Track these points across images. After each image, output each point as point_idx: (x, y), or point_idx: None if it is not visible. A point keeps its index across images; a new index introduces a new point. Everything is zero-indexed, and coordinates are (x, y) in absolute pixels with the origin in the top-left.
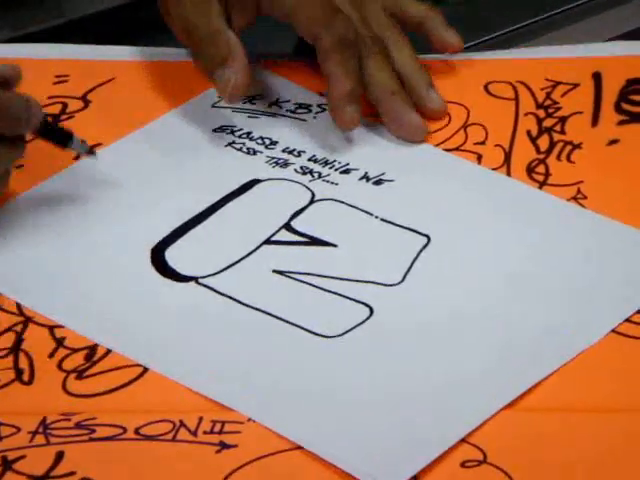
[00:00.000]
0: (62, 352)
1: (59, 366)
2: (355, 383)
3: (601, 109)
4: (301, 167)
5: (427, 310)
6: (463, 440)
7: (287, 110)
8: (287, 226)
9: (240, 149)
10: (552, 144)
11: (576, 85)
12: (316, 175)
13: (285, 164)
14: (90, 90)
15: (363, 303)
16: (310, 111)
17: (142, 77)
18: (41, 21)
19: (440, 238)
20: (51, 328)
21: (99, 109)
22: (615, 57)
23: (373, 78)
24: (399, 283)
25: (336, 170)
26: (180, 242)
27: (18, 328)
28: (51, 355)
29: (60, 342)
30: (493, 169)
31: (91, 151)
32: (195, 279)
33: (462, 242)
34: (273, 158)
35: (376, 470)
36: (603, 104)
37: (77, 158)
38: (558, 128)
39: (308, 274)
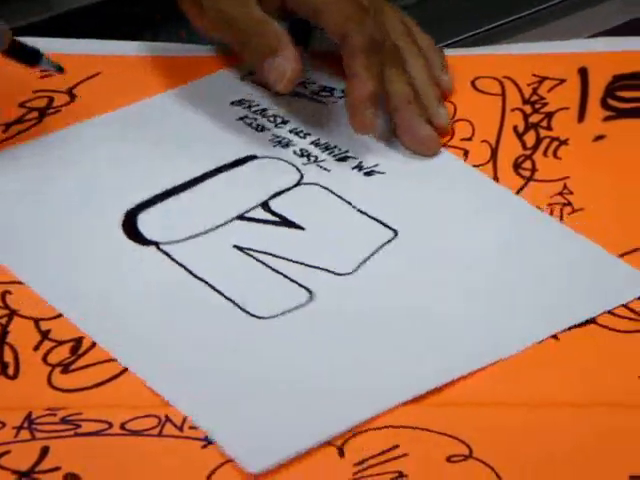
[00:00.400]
0: (47, 345)
1: (44, 359)
2: (268, 365)
3: (587, 105)
4: (301, 149)
5: (365, 303)
6: (449, 435)
7: (310, 92)
8: (264, 205)
9: (250, 124)
10: (538, 140)
11: (562, 81)
12: (312, 159)
13: (287, 144)
14: (76, 84)
15: (305, 288)
16: (332, 95)
17: (128, 72)
18: (28, 15)
19: (407, 234)
20: (36, 321)
21: (85, 103)
22: (601, 53)
23: (392, 86)
24: (349, 273)
25: (334, 156)
26: (156, 207)
27: (3, 321)
28: (36, 348)
29: (45, 335)
30: (479, 165)
31: (60, 68)
32: (157, 244)
33: (426, 240)
34: (278, 137)
35: (246, 450)
36: (589, 100)
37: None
38: (545, 124)
39: (265, 253)
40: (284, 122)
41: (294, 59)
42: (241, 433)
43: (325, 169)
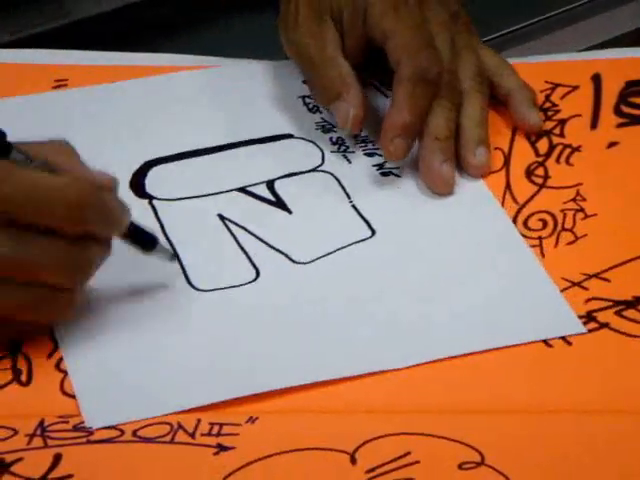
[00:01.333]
0: (60, 352)
1: (57, 367)
2: (177, 335)
3: (600, 112)
4: (338, 138)
5: (302, 293)
6: (461, 442)
7: (379, 81)
8: (269, 183)
9: (307, 104)
10: (551, 147)
11: (575, 87)
12: (343, 148)
13: (329, 130)
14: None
15: (256, 269)
16: None
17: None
18: (44, 22)
19: (382, 237)
20: (50, 329)
21: None
22: (614, 59)
23: (429, 119)
24: (304, 263)
25: (363, 150)
26: (170, 164)
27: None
28: (50, 355)
29: (58, 342)
30: (492, 172)
31: (173, 257)
32: (151, 198)
33: (397, 246)
34: (325, 122)
35: (91, 409)
36: (602, 107)
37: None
38: (557, 131)
39: (241, 227)
40: None
41: (357, 103)
42: (100, 389)
43: (348, 160)
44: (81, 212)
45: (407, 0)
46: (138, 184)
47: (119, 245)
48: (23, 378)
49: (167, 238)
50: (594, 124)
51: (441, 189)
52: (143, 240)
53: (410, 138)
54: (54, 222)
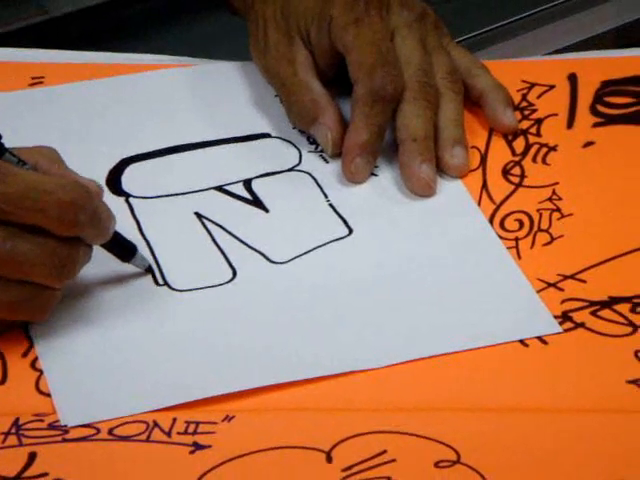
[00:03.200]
0: (35, 351)
1: (32, 365)
2: (152, 334)
3: (576, 111)
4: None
5: (281, 294)
6: (437, 440)
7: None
8: (246, 182)
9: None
10: (528, 146)
11: (552, 87)
12: (320, 148)
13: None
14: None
15: (233, 268)
16: None
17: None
18: (23, 18)
19: (359, 236)
20: (25, 328)
21: None
22: (590, 59)
23: (403, 122)
24: (282, 263)
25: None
26: (147, 162)
27: None
28: (25, 354)
29: (33, 341)
30: (469, 172)
31: (148, 269)
32: (127, 196)
33: (373, 245)
34: None
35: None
36: (578, 106)
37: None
38: (534, 130)
39: (219, 226)
40: None
41: (333, 126)
42: (76, 387)
43: (325, 160)
44: (74, 214)
45: (369, 11)
46: (114, 182)
47: (95, 247)
48: None
49: (143, 236)
50: (570, 124)
51: (421, 191)
52: (123, 248)
53: (371, 156)
54: (46, 222)
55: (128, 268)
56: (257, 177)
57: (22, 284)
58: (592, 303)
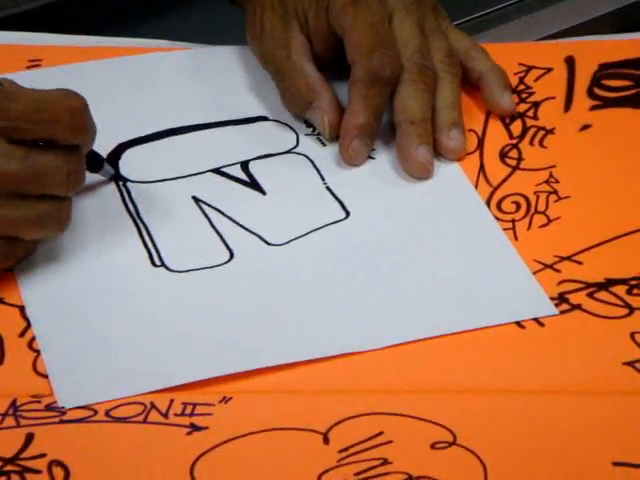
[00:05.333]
0: (32, 331)
1: (30, 346)
2: (157, 317)
3: (574, 94)
4: None
5: (277, 276)
6: (433, 422)
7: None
8: (243, 164)
9: None
10: (525, 129)
11: (549, 70)
12: (317, 131)
13: None
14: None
15: (230, 250)
16: None
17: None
18: (17, 4)
19: (356, 219)
20: (21, 308)
21: None
22: (588, 41)
23: (401, 104)
24: (278, 245)
25: (337, 133)
26: (146, 145)
27: None
28: (22, 334)
29: (30, 321)
30: (466, 154)
31: (112, 177)
32: (124, 180)
33: (370, 228)
34: None
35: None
36: (576, 89)
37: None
38: (531, 113)
39: (215, 209)
40: None
41: (329, 109)
42: (73, 368)
43: (323, 143)
44: (83, 118)
45: None
46: (112, 166)
47: (96, 229)
48: None
49: (141, 220)
50: (567, 106)
51: (419, 173)
52: (93, 160)
53: (368, 139)
54: (60, 131)
55: (126, 250)
56: (254, 159)
57: (41, 199)
58: (588, 285)
